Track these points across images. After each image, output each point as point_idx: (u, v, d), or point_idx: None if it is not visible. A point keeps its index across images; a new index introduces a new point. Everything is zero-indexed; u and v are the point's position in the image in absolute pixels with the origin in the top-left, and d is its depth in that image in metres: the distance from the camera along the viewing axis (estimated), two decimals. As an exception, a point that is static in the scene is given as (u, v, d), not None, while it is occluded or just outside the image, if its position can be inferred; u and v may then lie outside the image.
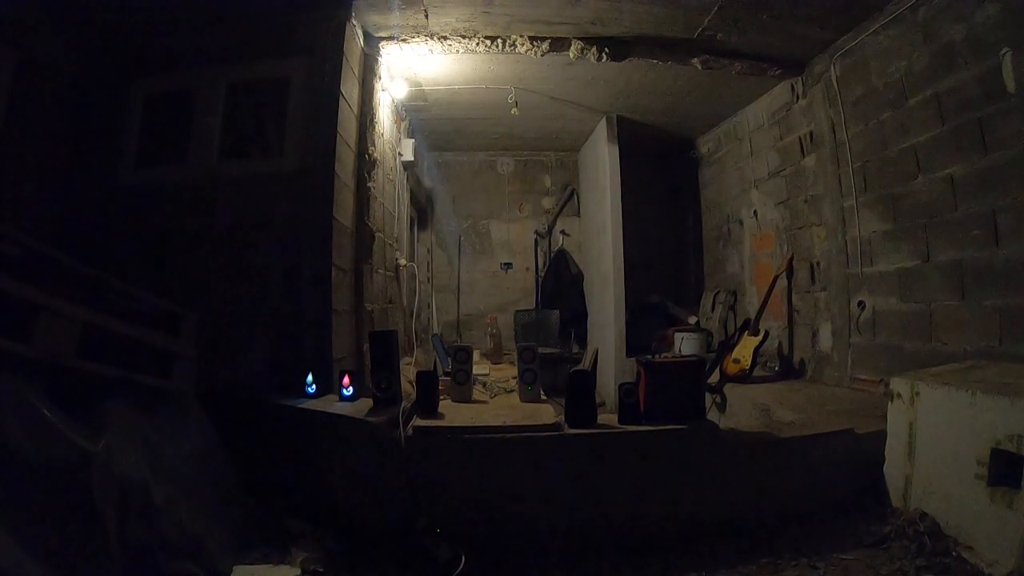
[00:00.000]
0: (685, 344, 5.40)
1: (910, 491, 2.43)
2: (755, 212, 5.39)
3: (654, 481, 2.51)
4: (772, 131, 5.05)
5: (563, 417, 2.63)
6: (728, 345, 4.74)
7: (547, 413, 2.74)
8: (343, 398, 2.84)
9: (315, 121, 3.33)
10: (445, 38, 3.90)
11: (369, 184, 3.75)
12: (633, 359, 3.16)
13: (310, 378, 2.92)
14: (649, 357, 2.74)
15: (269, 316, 3.16)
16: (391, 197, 4.65)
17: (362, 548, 2.32)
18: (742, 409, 3.87)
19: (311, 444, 2.58)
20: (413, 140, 5.22)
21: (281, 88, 3.42)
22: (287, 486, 2.52)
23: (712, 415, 2.98)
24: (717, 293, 6.11)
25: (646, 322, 6.03)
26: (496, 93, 4.77)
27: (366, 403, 2.76)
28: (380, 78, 4.04)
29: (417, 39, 3.89)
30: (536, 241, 7.03)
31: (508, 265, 7.03)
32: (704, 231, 6.51)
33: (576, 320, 6.39)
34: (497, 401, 3.16)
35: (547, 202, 7.08)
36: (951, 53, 3.14)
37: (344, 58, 3.42)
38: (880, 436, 2.61)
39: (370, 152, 3.79)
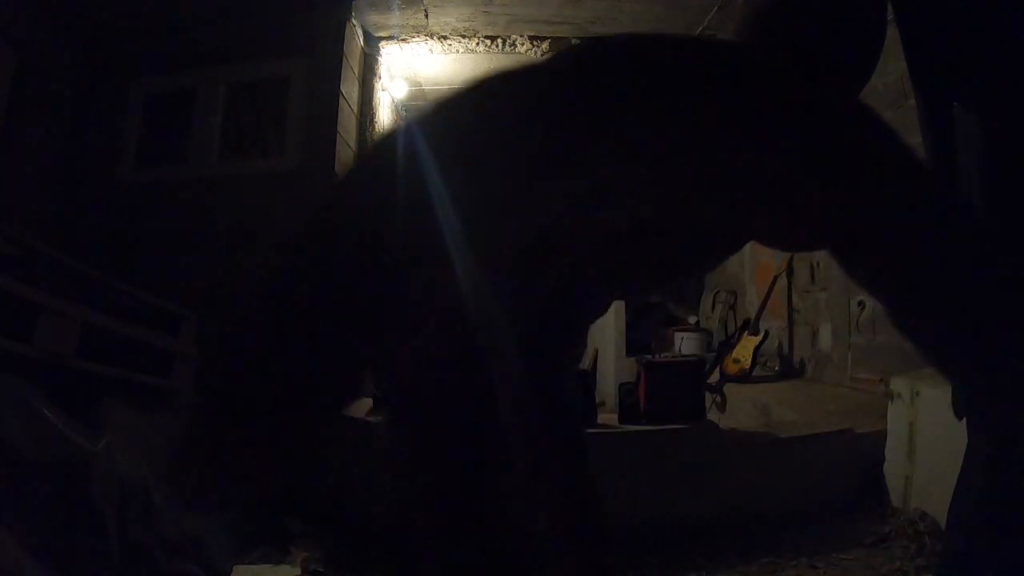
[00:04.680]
0: (685, 344, 5.40)
1: (910, 491, 2.43)
2: (755, 212, 5.39)
3: (654, 481, 2.51)
4: (772, 131, 5.04)
5: (563, 417, 2.63)
6: (728, 345, 4.75)
7: (547, 413, 2.74)
8: (343, 398, 2.84)
9: (315, 121, 3.33)
10: (445, 38, 3.91)
11: (369, 184, 3.75)
12: (633, 359, 3.16)
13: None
14: (649, 357, 2.74)
15: (269, 316, 3.16)
16: (391, 197, 4.65)
17: (362, 548, 2.32)
18: (742, 409, 3.88)
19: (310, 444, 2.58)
20: (413, 140, 5.22)
21: (281, 88, 3.42)
22: (287, 486, 2.52)
23: (712, 415, 2.98)
24: (717, 293, 6.11)
25: (646, 322, 6.04)
26: (496, 93, 4.77)
27: (366, 403, 2.76)
28: (380, 78, 4.04)
29: (417, 39, 3.90)
30: (536, 241, 7.02)
31: (508, 265, 7.02)
32: (704, 231, 6.50)
33: (576, 320, 6.38)
34: (497, 401, 3.16)
35: (547, 202, 7.08)
36: (951, 53, 3.14)
37: (344, 58, 3.42)
38: (880, 436, 2.61)
39: (370, 152, 3.79)
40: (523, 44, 3.90)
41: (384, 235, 0.12)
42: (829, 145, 0.14)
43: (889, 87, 3.65)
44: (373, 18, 3.64)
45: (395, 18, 3.67)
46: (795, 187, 0.14)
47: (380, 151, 0.13)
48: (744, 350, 4.57)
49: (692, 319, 6.13)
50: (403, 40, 3.85)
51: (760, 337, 4.59)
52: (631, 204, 0.15)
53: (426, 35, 3.82)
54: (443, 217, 0.12)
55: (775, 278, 4.86)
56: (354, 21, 3.56)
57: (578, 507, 0.19)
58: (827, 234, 0.15)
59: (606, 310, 0.20)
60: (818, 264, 4.51)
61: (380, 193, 0.13)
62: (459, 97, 0.13)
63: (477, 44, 3.89)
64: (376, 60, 3.87)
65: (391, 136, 0.13)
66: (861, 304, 3.93)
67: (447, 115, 0.13)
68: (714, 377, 4.48)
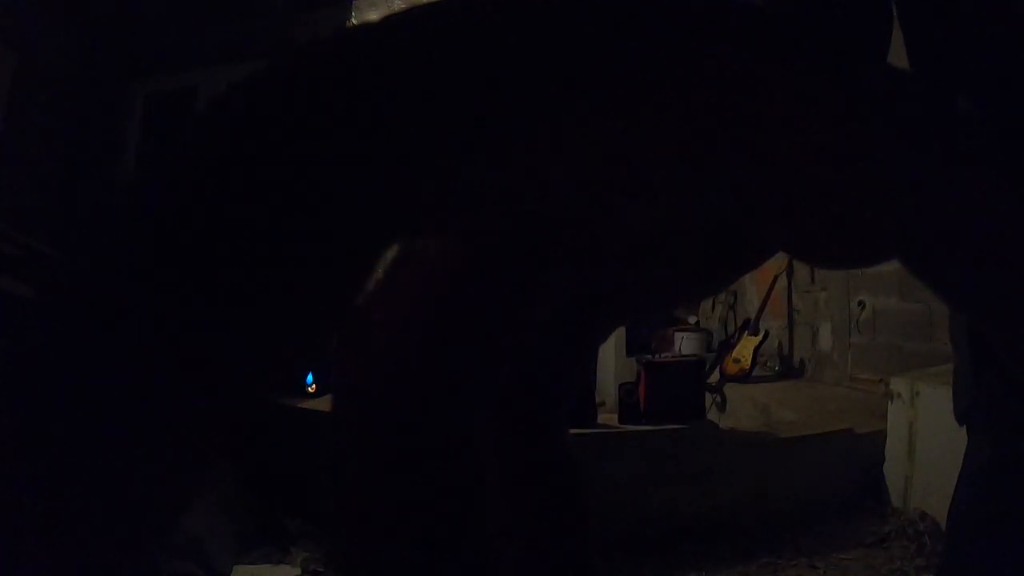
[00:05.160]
0: (685, 344, 5.40)
1: (910, 491, 2.43)
2: (755, 212, 5.40)
3: (654, 481, 2.51)
4: (772, 131, 5.05)
5: (563, 417, 2.63)
6: (728, 345, 4.75)
7: (547, 413, 2.74)
8: (343, 398, 2.84)
9: (315, 121, 3.34)
10: (445, 38, 3.92)
11: (369, 184, 3.76)
12: (633, 359, 3.16)
13: (310, 378, 2.92)
14: (649, 357, 2.74)
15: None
16: (391, 197, 4.66)
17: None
18: (742, 409, 3.88)
19: (311, 444, 2.58)
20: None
21: (281, 88, 3.44)
22: (287, 486, 2.52)
23: (712, 415, 2.98)
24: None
25: (646, 322, 6.03)
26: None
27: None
28: (380, 78, 4.06)
29: (417, 39, 3.91)
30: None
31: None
32: (704, 231, 6.50)
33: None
34: (497, 401, 3.16)
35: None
36: (951, 53, 3.15)
37: (344, 58, 3.43)
38: (880, 436, 2.61)
39: (370, 152, 3.81)
40: (523, 44, 3.91)
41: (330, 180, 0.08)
42: (881, 117, 0.10)
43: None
44: (373, 18, 3.64)
45: (395, 18, 3.67)
46: (847, 172, 0.10)
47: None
48: (744, 350, 4.57)
49: (692, 319, 6.13)
50: (403, 40, 3.85)
51: (760, 337, 4.59)
52: (649, 191, 0.11)
53: (426, 35, 3.82)
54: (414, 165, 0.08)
55: (775, 278, 4.86)
56: (354, 21, 3.56)
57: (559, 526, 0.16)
58: (891, 238, 0.11)
59: (608, 336, 0.17)
60: (818, 264, 4.50)
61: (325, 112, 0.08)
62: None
63: (477, 44, 3.90)
64: (376, 60, 3.87)
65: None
66: (861, 304, 3.93)
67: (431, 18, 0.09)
68: (714, 377, 4.48)
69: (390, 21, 0.10)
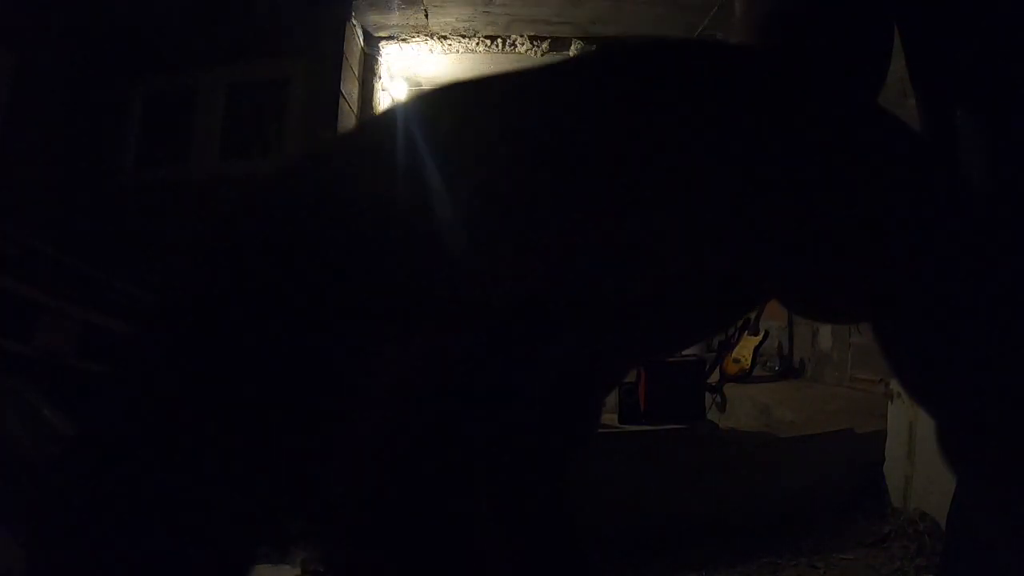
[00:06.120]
0: (685, 344, 5.40)
1: (910, 491, 2.43)
2: (755, 212, 5.40)
3: (654, 481, 2.51)
4: (772, 131, 5.05)
5: (563, 417, 2.63)
6: (728, 345, 4.74)
7: (547, 413, 2.74)
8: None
9: (315, 121, 3.34)
10: (445, 38, 3.91)
11: (369, 184, 3.76)
12: (633, 359, 3.16)
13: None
14: (649, 357, 2.74)
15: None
16: (391, 197, 4.66)
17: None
18: (742, 409, 3.88)
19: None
20: (413, 140, 5.22)
21: (281, 88, 3.43)
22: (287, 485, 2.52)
23: (712, 415, 2.98)
24: (717, 293, 6.11)
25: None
26: (496, 93, 4.77)
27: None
28: (380, 78, 4.05)
29: (417, 39, 3.90)
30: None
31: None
32: (704, 231, 6.51)
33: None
34: (497, 401, 3.16)
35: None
36: (951, 53, 3.15)
37: (344, 58, 3.43)
38: (880, 436, 2.61)
39: (370, 152, 3.80)
40: (523, 44, 3.91)
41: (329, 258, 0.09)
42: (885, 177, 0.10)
43: (889, 87, 3.64)
44: (373, 18, 3.65)
45: (395, 18, 3.68)
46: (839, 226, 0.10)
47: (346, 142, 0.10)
48: (744, 350, 4.57)
49: (692, 319, 6.12)
50: (403, 40, 3.86)
51: (760, 337, 4.60)
52: (659, 251, 0.11)
53: (426, 35, 3.83)
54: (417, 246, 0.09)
55: (775, 278, 4.85)
56: (354, 21, 3.56)
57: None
58: (876, 295, 0.11)
59: (614, 387, 0.17)
60: (818, 264, 4.49)
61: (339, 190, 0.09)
62: (462, 89, 0.09)
63: (477, 44, 3.90)
64: (376, 60, 3.88)
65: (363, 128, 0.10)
66: (861, 304, 3.93)
67: (445, 109, 0.09)
68: (714, 377, 4.48)
69: None
